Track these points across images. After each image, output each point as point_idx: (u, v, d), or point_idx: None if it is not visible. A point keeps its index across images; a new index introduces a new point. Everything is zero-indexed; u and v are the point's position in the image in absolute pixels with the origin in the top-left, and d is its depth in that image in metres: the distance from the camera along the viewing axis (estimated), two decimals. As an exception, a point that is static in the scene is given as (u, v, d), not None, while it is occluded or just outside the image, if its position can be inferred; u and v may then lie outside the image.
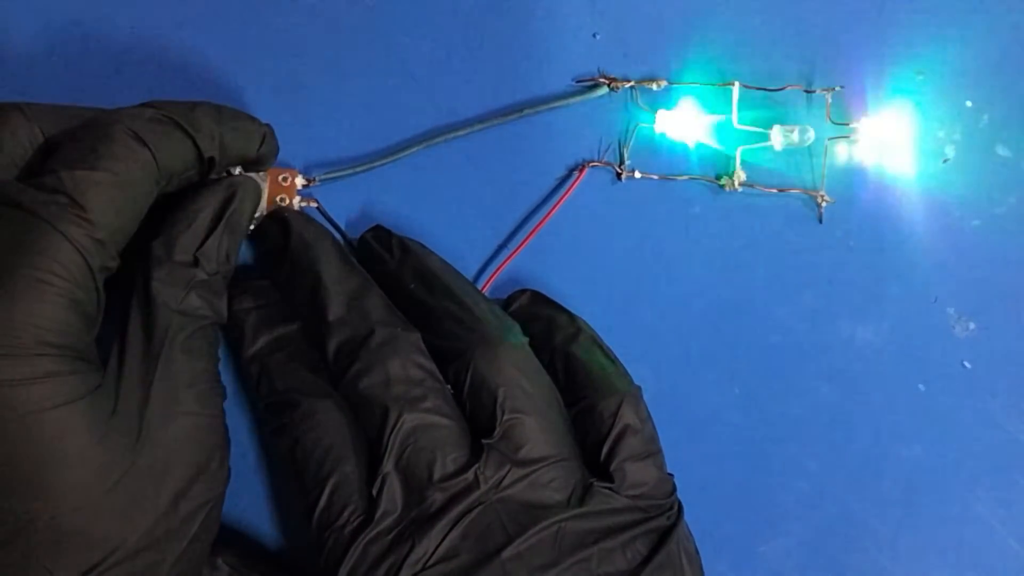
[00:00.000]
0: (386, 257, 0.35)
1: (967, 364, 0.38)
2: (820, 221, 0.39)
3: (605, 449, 0.32)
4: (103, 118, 0.29)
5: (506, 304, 0.37)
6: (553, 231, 0.38)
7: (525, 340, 0.34)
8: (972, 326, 0.38)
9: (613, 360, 0.35)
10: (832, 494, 0.37)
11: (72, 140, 0.28)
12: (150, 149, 0.29)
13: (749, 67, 0.39)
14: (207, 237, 0.31)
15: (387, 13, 0.39)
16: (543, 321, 0.35)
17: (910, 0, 0.40)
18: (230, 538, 0.35)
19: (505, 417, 0.31)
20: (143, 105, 0.31)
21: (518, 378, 0.32)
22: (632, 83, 0.39)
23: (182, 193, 0.32)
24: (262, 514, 0.36)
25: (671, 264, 0.38)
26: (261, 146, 0.34)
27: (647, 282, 0.38)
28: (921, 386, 0.38)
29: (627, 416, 0.33)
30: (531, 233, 0.38)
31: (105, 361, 0.28)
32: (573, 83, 0.39)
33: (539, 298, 0.37)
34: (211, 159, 0.32)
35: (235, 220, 0.33)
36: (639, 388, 0.34)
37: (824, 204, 0.39)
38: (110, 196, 0.27)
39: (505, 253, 0.38)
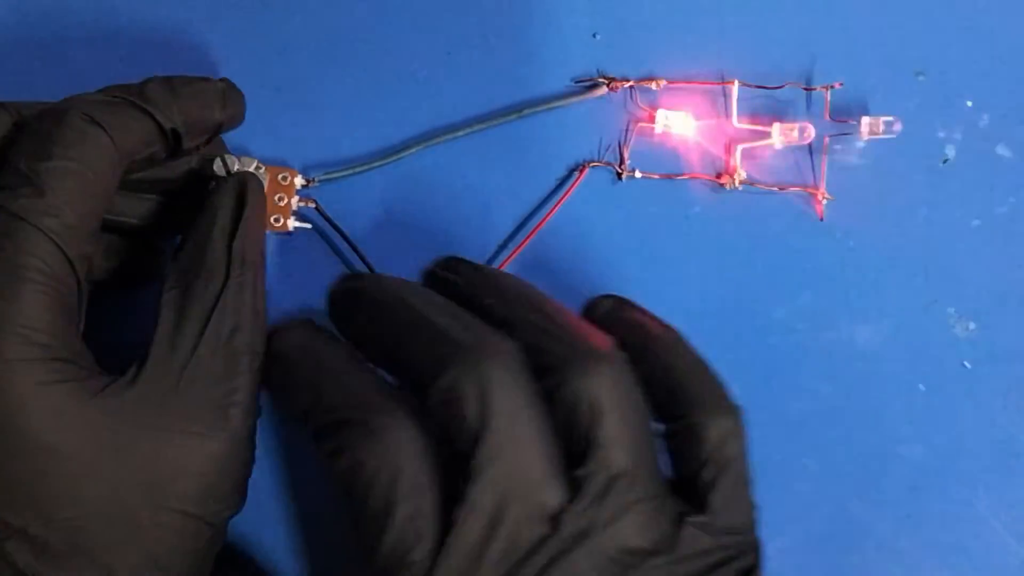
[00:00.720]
0: (453, 278, 0.32)
1: (967, 364, 0.38)
2: (821, 219, 0.39)
3: (705, 478, 0.29)
4: (56, 106, 0.29)
5: (586, 311, 0.33)
6: (553, 231, 0.38)
7: (622, 355, 0.29)
8: (972, 326, 0.38)
9: (715, 374, 0.31)
10: (832, 494, 0.37)
11: (28, 131, 0.28)
12: (105, 129, 0.28)
13: (748, 65, 0.39)
14: (233, 234, 0.30)
15: (387, 12, 0.39)
16: (634, 329, 0.31)
17: (910, 0, 0.40)
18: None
19: (599, 448, 0.27)
20: (95, 91, 0.30)
21: (615, 399, 0.28)
22: (631, 83, 0.39)
23: (194, 201, 0.32)
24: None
25: (671, 264, 0.38)
26: (225, 105, 0.33)
27: (647, 282, 0.38)
28: (921, 386, 0.38)
29: (732, 443, 0.29)
30: (531, 233, 0.38)
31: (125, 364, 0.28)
32: (572, 83, 0.39)
33: (626, 303, 0.33)
34: (175, 131, 0.31)
35: (255, 213, 0.32)
36: (742, 408, 0.31)
37: (824, 202, 0.39)
38: (73, 181, 0.27)
39: (505, 253, 0.38)
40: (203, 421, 0.27)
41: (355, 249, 0.37)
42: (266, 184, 0.37)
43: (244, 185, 0.32)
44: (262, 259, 0.31)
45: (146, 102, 0.30)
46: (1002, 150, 0.39)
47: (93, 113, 0.28)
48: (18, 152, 0.28)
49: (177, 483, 0.27)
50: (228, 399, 0.28)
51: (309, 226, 0.37)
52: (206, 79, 0.33)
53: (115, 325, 0.29)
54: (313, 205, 0.37)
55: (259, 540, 0.36)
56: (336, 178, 0.38)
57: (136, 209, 0.33)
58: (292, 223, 0.37)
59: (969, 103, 0.39)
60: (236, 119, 0.34)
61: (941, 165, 0.39)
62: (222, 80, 0.33)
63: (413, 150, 0.38)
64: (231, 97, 0.33)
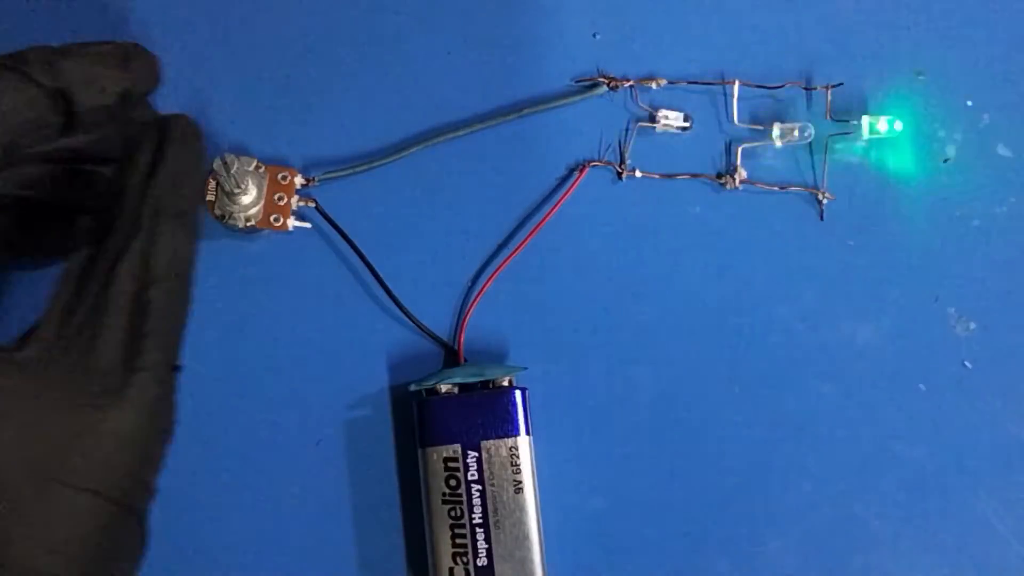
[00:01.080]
0: None
1: (967, 364, 0.38)
2: (821, 218, 0.39)
3: None
4: None
5: None
6: (554, 230, 0.38)
7: None
8: (972, 326, 0.38)
9: None
10: (832, 494, 0.37)
11: None
12: None
13: (749, 65, 0.39)
14: (148, 183, 0.28)
15: (387, 12, 0.39)
16: None
17: (910, 0, 0.40)
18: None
19: None
20: None
21: None
22: (632, 82, 0.39)
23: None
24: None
25: (672, 263, 0.38)
26: (128, 65, 0.29)
27: (648, 281, 0.38)
28: (921, 386, 0.38)
29: None
30: (532, 232, 0.38)
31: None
32: (573, 83, 0.39)
33: None
34: (63, 93, 0.28)
35: (179, 160, 0.29)
36: None
37: (825, 201, 0.39)
38: None
39: (506, 252, 0.38)
40: (98, 389, 0.25)
41: (355, 249, 0.37)
42: (266, 183, 0.37)
43: (165, 131, 0.29)
44: (188, 212, 0.28)
45: (23, 63, 0.27)
46: (1002, 150, 0.39)
47: None
48: None
49: (69, 457, 0.25)
50: (130, 364, 0.26)
51: (309, 226, 0.37)
52: (103, 41, 0.30)
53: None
54: (313, 205, 0.37)
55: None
56: (336, 178, 0.38)
57: (38, 180, 0.31)
58: (292, 223, 0.37)
59: (969, 103, 0.39)
60: (146, 81, 0.31)
61: (941, 165, 0.39)
62: (128, 42, 0.30)
63: (413, 149, 0.38)
64: (136, 56, 0.30)
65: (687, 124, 0.38)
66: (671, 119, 0.38)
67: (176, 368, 0.27)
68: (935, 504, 0.37)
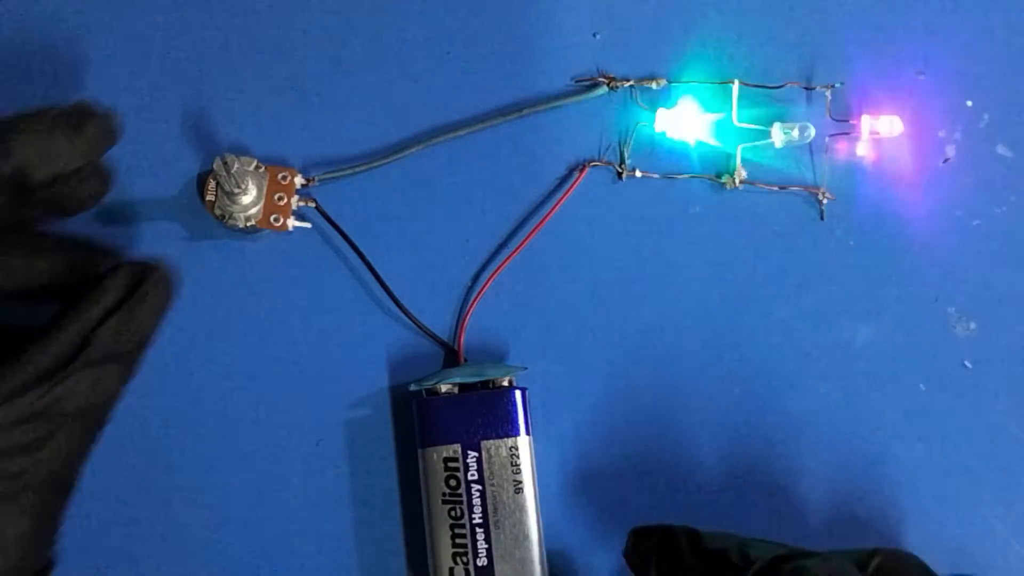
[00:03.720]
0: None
1: (967, 364, 0.38)
2: (821, 218, 0.39)
3: None
4: None
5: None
6: (554, 230, 0.38)
7: None
8: (972, 326, 0.38)
9: None
10: (832, 494, 0.37)
11: None
12: None
13: (749, 64, 0.39)
14: (98, 323, 0.27)
15: (387, 12, 0.39)
16: None
17: (910, 0, 0.40)
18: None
19: None
20: None
21: None
22: (632, 82, 0.39)
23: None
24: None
25: (672, 263, 0.38)
26: (82, 129, 0.28)
27: (648, 281, 0.38)
28: (921, 386, 0.38)
29: None
30: (532, 232, 0.38)
31: None
32: (573, 82, 0.39)
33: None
34: (22, 176, 0.27)
35: (142, 304, 0.28)
36: None
37: (825, 201, 0.39)
38: None
39: (506, 252, 0.38)
40: None
41: (355, 248, 0.37)
42: (266, 184, 0.37)
43: (138, 282, 0.28)
44: (132, 355, 0.28)
45: None
46: (1002, 150, 0.39)
47: None
48: None
49: None
50: (23, 477, 0.25)
51: (309, 225, 0.37)
52: (51, 107, 0.28)
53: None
54: (313, 205, 0.37)
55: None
56: (336, 178, 0.38)
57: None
58: (292, 223, 0.37)
59: (969, 103, 0.39)
60: (102, 142, 0.29)
61: (941, 165, 0.39)
62: (79, 102, 0.28)
63: (413, 150, 0.38)
64: (88, 118, 0.28)
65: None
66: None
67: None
68: (935, 504, 0.37)
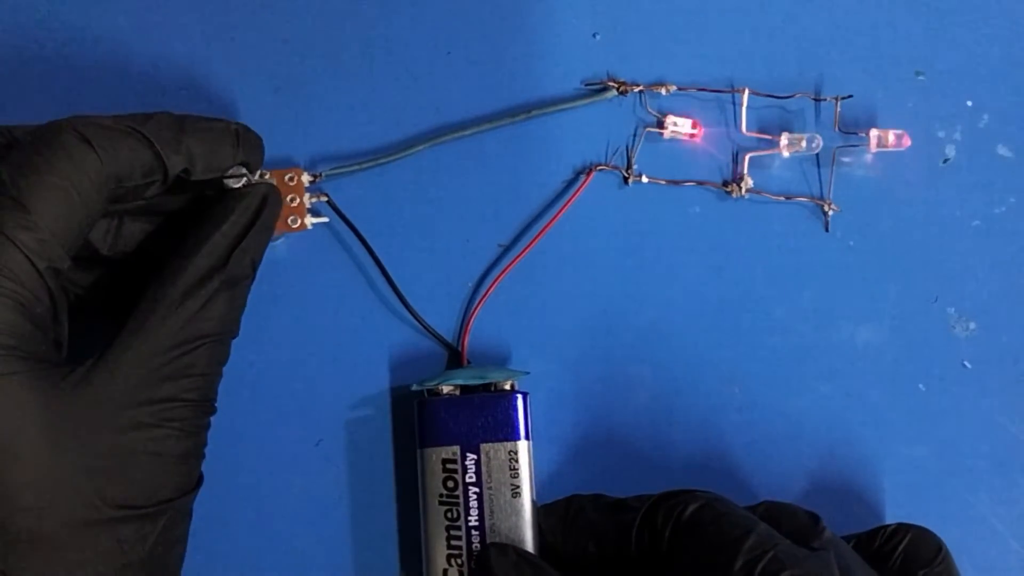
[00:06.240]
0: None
1: (967, 364, 0.38)
2: (826, 230, 0.39)
3: None
4: (55, 123, 0.29)
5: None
6: (559, 234, 0.38)
7: None
8: (972, 326, 0.38)
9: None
10: (832, 494, 0.37)
11: (22, 144, 0.29)
12: (96, 151, 0.28)
13: (758, 74, 0.39)
14: (237, 243, 0.31)
15: (390, 12, 0.39)
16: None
17: (910, 0, 0.40)
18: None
19: None
20: (107, 115, 0.30)
21: None
22: (641, 87, 0.39)
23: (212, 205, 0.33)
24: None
25: (675, 268, 0.38)
26: (238, 146, 0.33)
27: (651, 286, 0.38)
28: (921, 386, 0.38)
29: None
30: (537, 235, 0.38)
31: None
32: (582, 86, 0.39)
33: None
34: (181, 168, 0.31)
35: (264, 226, 0.33)
36: None
37: (831, 213, 0.38)
38: (54, 197, 0.27)
39: (511, 255, 0.38)
40: (147, 417, 0.28)
41: (365, 244, 0.37)
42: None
43: (265, 198, 0.33)
44: (252, 273, 0.32)
45: (149, 134, 0.30)
46: (1002, 150, 0.39)
47: (87, 133, 0.29)
48: (8, 163, 0.28)
49: (120, 478, 0.28)
50: (179, 395, 0.29)
51: (327, 220, 0.37)
52: (219, 119, 0.32)
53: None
54: (326, 199, 0.37)
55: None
56: (342, 173, 0.37)
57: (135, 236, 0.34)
58: (310, 220, 0.37)
59: (969, 103, 0.39)
60: (253, 163, 0.34)
61: (941, 165, 0.39)
62: (237, 123, 0.33)
63: (419, 148, 0.38)
64: (246, 140, 0.33)
65: (695, 131, 0.38)
66: (679, 126, 0.38)
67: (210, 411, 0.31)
68: (935, 504, 0.37)
